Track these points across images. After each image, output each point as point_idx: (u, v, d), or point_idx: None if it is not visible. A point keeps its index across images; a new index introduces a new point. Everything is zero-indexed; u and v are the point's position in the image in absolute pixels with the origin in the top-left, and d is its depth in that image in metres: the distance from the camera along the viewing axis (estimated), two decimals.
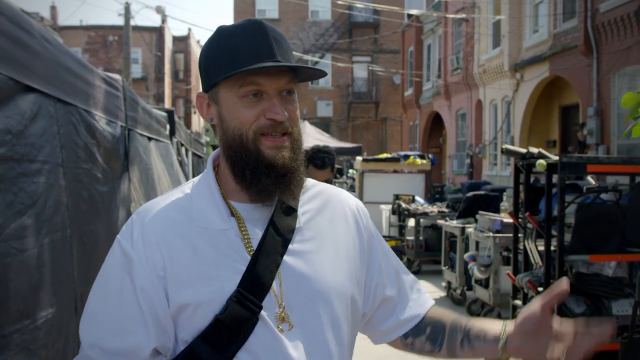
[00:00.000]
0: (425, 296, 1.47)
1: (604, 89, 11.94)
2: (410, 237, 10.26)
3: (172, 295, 1.19)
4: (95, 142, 2.58)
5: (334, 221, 1.35)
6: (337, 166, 18.43)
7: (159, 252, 1.20)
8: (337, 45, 31.22)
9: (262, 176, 1.21)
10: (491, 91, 18.05)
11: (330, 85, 31.81)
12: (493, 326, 1.33)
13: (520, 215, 5.37)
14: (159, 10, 21.37)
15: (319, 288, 1.25)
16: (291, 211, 1.29)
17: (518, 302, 5.28)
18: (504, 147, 5.30)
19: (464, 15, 19.43)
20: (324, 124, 29.73)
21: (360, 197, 12.80)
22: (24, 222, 1.69)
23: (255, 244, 1.23)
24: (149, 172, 3.95)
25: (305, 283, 1.24)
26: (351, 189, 15.03)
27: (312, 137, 18.49)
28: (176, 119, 7.32)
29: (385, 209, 11.53)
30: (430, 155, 14.36)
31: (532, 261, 5.19)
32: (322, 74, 1.27)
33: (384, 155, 14.24)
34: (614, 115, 11.73)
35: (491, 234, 6.73)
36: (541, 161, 4.79)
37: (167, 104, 35.31)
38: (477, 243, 7.33)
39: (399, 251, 9.82)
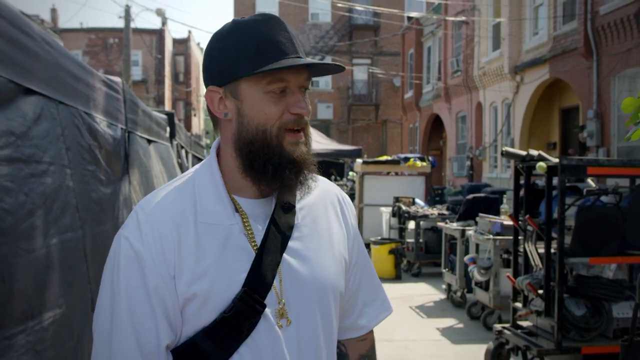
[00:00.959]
0: (378, 313, 1.51)
1: (604, 91, 11.95)
2: (411, 240, 10.25)
3: (180, 290, 1.18)
4: (97, 144, 2.58)
5: (327, 215, 1.37)
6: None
7: (171, 247, 1.18)
8: (337, 47, 31.24)
9: (285, 171, 1.21)
10: (491, 93, 18.05)
11: (330, 88, 31.82)
12: None
13: (520, 218, 5.36)
14: (159, 12, 21.40)
15: (316, 285, 1.28)
16: (290, 207, 1.29)
17: (518, 304, 5.27)
18: (504, 149, 5.30)
19: (463, 18, 19.44)
20: (324, 127, 29.73)
21: (361, 200, 12.80)
22: (33, 223, 1.69)
23: (257, 240, 1.24)
24: (149, 175, 3.95)
25: (304, 280, 1.27)
26: (351, 191, 15.02)
27: (312, 139, 18.45)
28: (176, 121, 7.33)
29: (386, 211, 11.53)
30: (430, 158, 14.37)
31: (532, 264, 5.19)
32: (340, 68, 1.28)
33: (384, 158, 14.24)
34: (614, 117, 11.73)
35: (491, 236, 6.73)
36: (541, 164, 4.79)
37: (167, 107, 35.32)
38: (477, 245, 7.32)
39: (399, 253, 9.82)
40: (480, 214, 7.62)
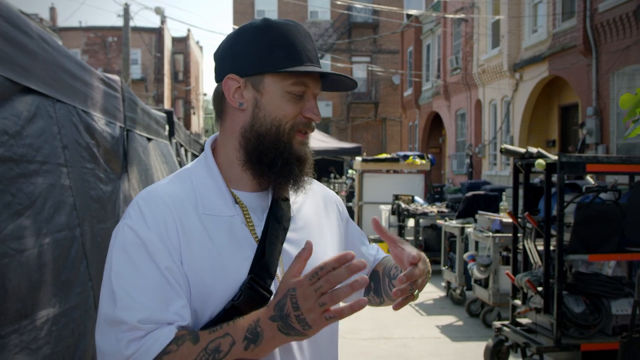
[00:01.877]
0: (376, 255, 1.62)
1: (603, 88, 11.95)
2: (410, 237, 10.25)
3: (188, 278, 1.20)
4: (95, 142, 2.58)
5: (318, 212, 1.44)
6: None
7: (175, 234, 1.20)
8: (337, 45, 31.22)
9: (294, 167, 1.28)
10: (490, 91, 18.05)
11: None
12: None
13: (519, 215, 5.37)
14: (158, 11, 21.35)
15: None
16: (285, 201, 1.34)
17: (517, 301, 5.27)
18: (503, 147, 5.30)
19: (463, 16, 19.44)
20: (323, 125, 29.74)
21: (360, 197, 12.80)
22: (22, 223, 1.69)
23: (258, 231, 1.28)
24: (148, 173, 3.95)
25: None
26: (350, 189, 15.02)
27: (312, 137, 18.45)
28: (175, 119, 7.33)
29: (385, 209, 11.53)
30: (429, 156, 14.36)
31: (532, 261, 5.19)
32: (354, 85, 1.36)
33: (384, 156, 14.24)
34: (613, 114, 11.73)
35: (490, 233, 6.73)
36: (540, 161, 4.79)
37: (167, 105, 35.32)
38: (476, 243, 7.33)
39: None
40: (480, 212, 7.63)
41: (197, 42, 47.53)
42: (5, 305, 1.54)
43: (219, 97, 1.33)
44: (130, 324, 1.12)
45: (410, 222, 10.44)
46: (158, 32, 35.51)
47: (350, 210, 13.13)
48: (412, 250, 1.28)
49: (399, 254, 1.30)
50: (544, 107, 15.74)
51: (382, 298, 1.50)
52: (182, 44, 41.23)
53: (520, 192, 5.44)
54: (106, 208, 2.64)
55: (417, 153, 14.53)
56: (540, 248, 4.97)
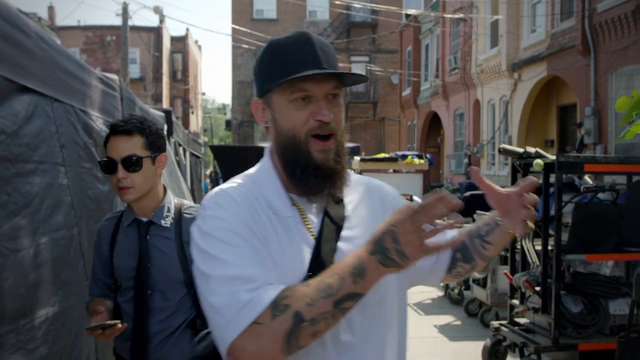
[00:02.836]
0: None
1: (601, 88, 11.96)
2: None
3: None
4: (93, 142, 2.58)
5: (374, 210, 1.48)
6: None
7: (254, 223, 1.29)
8: (335, 45, 31.22)
9: (310, 176, 1.34)
10: (489, 91, 18.06)
11: None
12: (486, 220, 1.51)
13: None
14: (157, 10, 21.33)
15: None
16: (339, 201, 1.42)
17: (515, 301, 5.28)
18: (501, 146, 5.30)
19: (461, 15, 19.44)
20: None
21: None
22: (18, 223, 1.68)
23: (314, 230, 1.36)
24: None
25: None
26: None
27: None
28: (174, 119, 7.33)
29: None
30: (428, 155, 14.35)
31: (530, 261, 5.19)
32: (364, 79, 1.41)
33: (382, 155, 14.23)
34: (612, 114, 11.74)
35: None
36: (538, 161, 4.79)
37: (165, 104, 35.30)
38: None
39: None
40: (478, 211, 7.62)
41: (196, 42, 47.50)
42: (2, 305, 1.54)
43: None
44: (245, 278, 1.21)
45: None
46: (157, 31, 35.50)
47: None
48: (519, 186, 1.36)
49: (502, 197, 1.37)
50: (542, 107, 15.75)
51: (474, 262, 1.56)
52: (180, 43, 41.22)
53: None
54: (103, 207, 2.64)
55: (416, 153, 14.52)
56: (538, 248, 4.97)
